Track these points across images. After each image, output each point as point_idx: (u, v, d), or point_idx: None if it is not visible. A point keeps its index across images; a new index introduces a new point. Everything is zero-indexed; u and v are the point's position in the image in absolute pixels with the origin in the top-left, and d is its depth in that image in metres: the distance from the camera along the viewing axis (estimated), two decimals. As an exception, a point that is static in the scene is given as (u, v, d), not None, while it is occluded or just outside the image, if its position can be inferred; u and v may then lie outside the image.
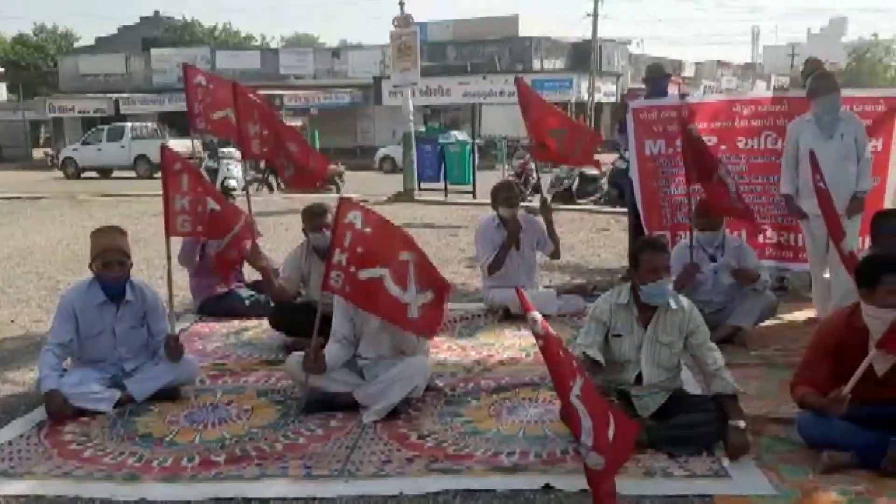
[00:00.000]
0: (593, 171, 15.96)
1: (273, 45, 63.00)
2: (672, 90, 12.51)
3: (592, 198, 15.19)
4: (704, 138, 6.97)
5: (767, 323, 5.74)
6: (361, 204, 4.29)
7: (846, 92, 7.52)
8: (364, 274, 4.12)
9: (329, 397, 4.31)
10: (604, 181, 15.10)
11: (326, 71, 41.38)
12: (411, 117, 16.08)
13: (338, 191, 18.15)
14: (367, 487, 3.43)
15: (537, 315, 3.10)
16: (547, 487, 3.36)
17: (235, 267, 6.28)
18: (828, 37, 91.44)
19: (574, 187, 15.44)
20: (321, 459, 3.70)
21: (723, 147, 6.97)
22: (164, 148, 4.71)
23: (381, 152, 29.46)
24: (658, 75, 7.58)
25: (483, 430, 4.00)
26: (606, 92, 39.61)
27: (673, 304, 3.93)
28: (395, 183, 17.26)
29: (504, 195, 6.30)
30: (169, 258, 4.76)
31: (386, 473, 3.56)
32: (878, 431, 3.50)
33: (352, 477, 3.53)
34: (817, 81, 5.85)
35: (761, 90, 33.76)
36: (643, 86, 7.96)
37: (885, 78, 68.81)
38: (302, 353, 4.27)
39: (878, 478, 3.38)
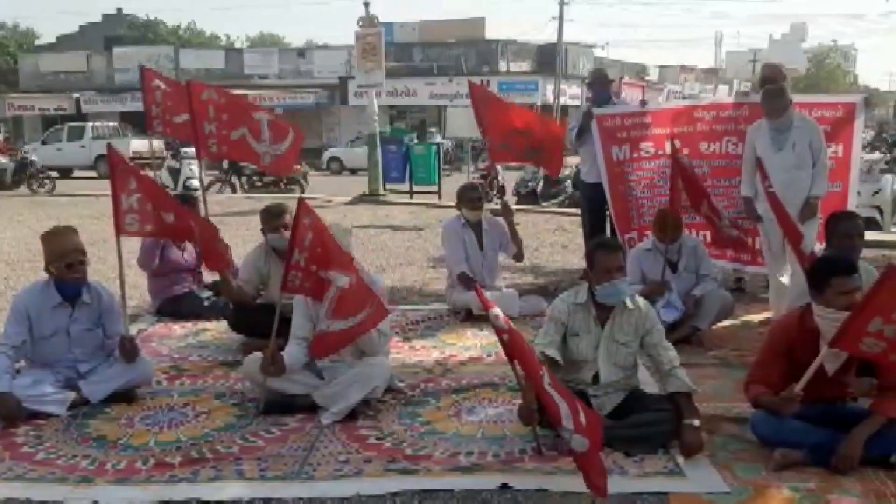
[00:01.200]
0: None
1: (238, 44, 62.52)
2: (636, 94, 12.72)
3: (557, 200, 15.26)
4: (667, 143, 7.08)
5: (724, 323, 5.82)
6: (314, 212, 4.27)
7: (806, 98, 7.66)
8: (325, 274, 4.12)
9: (287, 399, 4.28)
10: (568, 183, 15.19)
11: (292, 71, 41.14)
12: (376, 118, 16.02)
13: (301, 191, 18.05)
14: (324, 488, 3.42)
15: (498, 311, 3.14)
16: (504, 487, 3.37)
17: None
18: (788, 42, 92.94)
19: (539, 189, 15.52)
20: (278, 461, 3.68)
21: (685, 151, 7.05)
22: (110, 147, 4.68)
23: (329, 153, 29.39)
24: (600, 80, 7.64)
25: (442, 431, 4.01)
26: (572, 95, 39.88)
27: (629, 304, 3.97)
28: (359, 184, 17.19)
29: (468, 197, 6.32)
30: (120, 258, 4.69)
31: (343, 474, 3.54)
32: (828, 430, 3.57)
33: (308, 478, 3.51)
34: (766, 103, 5.88)
35: (723, 95, 34.11)
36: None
37: (844, 83, 70.27)
38: (260, 354, 4.24)
39: (829, 475, 3.45)
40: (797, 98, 7.48)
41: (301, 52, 43.16)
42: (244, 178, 18.84)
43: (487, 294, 6.05)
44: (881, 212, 10.76)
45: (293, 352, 4.34)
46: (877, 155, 16.66)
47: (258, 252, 5.47)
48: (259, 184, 18.58)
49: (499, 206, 6.93)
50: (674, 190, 5.72)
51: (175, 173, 18.04)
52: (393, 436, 3.95)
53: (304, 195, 17.10)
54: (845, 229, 4.88)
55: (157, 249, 6.17)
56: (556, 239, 10.41)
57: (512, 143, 6.70)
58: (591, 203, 7.41)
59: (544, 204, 14.95)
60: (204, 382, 4.84)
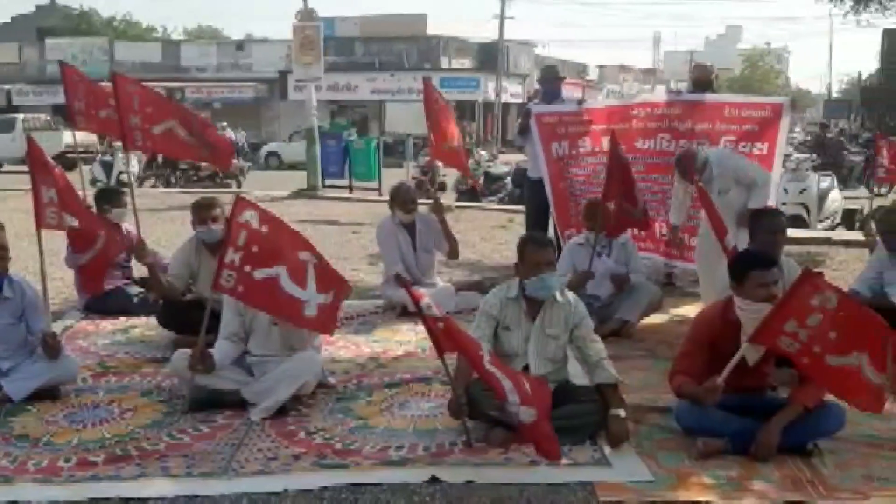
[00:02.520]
0: (498, 170, 16.23)
1: (175, 37, 61.16)
2: (577, 93, 12.96)
3: (497, 197, 15.35)
4: (604, 139, 7.21)
5: (654, 317, 5.94)
6: (258, 203, 4.20)
7: (736, 98, 7.86)
8: (259, 273, 4.03)
9: (216, 395, 4.22)
10: (508, 180, 15.31)
11: (230, 64, 40.57)
12: (314, 112, 15.87)
13: (238, 186, 17.82)
14: (251, 485, 3.38)
15: (429, 300, 3.18)
16: (433, 480, 3.39)
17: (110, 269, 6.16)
18: (724, 44, 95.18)
19: (479, 186, 15.59)
20: (205, 458, 3.63)
21: (622, 148, 7.18)
22: (30, 140, 4.57)
23: (266, 148, 29.07)
24: (551, 78, 7.74)
25: (373, 426, 4.00)
26: (513, 93, 40.20)
27: (559, 298, 4.02)
28: (297, 179, 17.03)
29: (402, 199, 6.33)
30: (41, 252, 4.58)
31: (271, 470, 3.51)
32: (749, 419, 3.67)
33: (235, 475, 3.48)
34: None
35: (661, 94, 34.78)
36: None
37: (777, 84, 72.16)
38: (188, 350, 4.17)
39: (749, 463, 3.55)
40: (730, 98, 7.70)
41: (240, 46, 42.57)
42: (179, 173, 18.50)
43: (422, 291, 6.11)
44: (807, 209, 11.10)
45: (223, 348, 4.29)
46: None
47: (188, 246, 5.38)
48: (195, 178, 18.26)
49: (444, 202, 6.95)
50: (609, 182, 5.80)
51: (108, 167, 17.63)
52: (323, 431, 3.93)
53: (240, 190, 16.91)
54: (768, 226, 5.02)
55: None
56: (495, 235, 10.48)
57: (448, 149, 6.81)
58: (535, 199, 7.48)
59: (484, 200, 15.03)
60: (131, 380, 4.74)
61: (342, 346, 5.39)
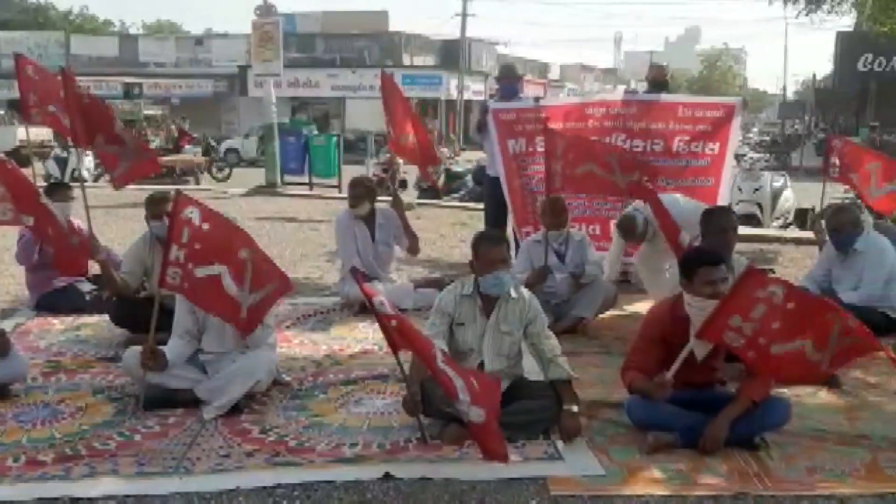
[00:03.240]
0: (459, 168, 16.27)
1: (133, 31, 60.27)
2: (539, 92, 13.07)
3: (458, 194, 15.38)
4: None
5: (609, 313, 6.00)
6: (198, 200, 4.16)
7: (690, 98, 7.98)
8: (201, 272, 4.00)
9: (169, 393, 4.18)
10: (469, 178, 15.34)
11: (189, 60, 40.08)
12: (274, 108, 15.73)
13: (196, 182, 17.63)
14: (203, 483, 3.36)
15: (382, 298, 3.18)
16: (387, 476, 3.39)
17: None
18: (683, 44, 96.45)
19: (440, 184, 15.61)
20: (156, 457, 3.60)
21: (560, 143, 7.24)
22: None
23: (226, 144, 28.72)
24: (509, 76, 7.78)
25: (328, 423, 4.00)
26: (476, 90, 40.24)
27: (513, 294, 4.05)
28: (257, 176, 16.89)
29: (350, 194, 6.34)
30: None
31: (223, 469, 3.49)
32: (699, 413, 3.74)
33: (187, 473, 3.45)
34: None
35: (619, 94, 35.12)
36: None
37: (734, 85, 73.27)
38: (140, 348, 4.13)
39: (698, 456, 3.61)
40: (683, 98, 7.81)
41: (199, 41, 42.08)
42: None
43: (381, 286, 6.11)
44: (761, 208, 11.30)
45: (175, 346, 4.25)
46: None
47: (142, 243, 5.32)
48: (152, 175, 17.97)
49: (407, 199, 6.94)
50: (549, 175, 5.87)
51: (62, 163, 17.31)
52: (277, 429, 3.91)
53: (199, 187, 16.72)
54: (720, 224, 5.11)
55: (36, 244, 5.90)
56: (455, 232, 10.50)
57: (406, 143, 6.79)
58: (494, 196, 7.51)
59: (445, 198, 15.05)
60: (82, 378, 4.67)
61: (299, 344, 5.37)
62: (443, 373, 3.23)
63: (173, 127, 21.61)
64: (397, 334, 3.45)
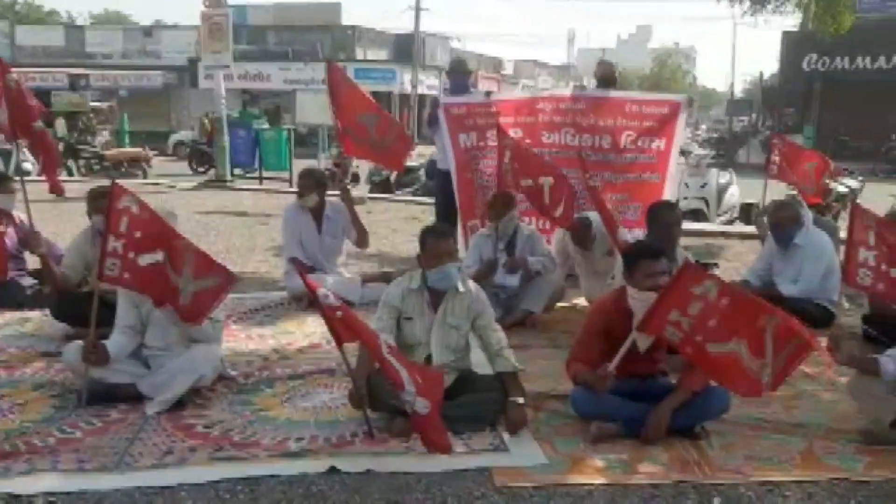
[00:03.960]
0: (412, 163, 16.22)
1: (80, 21, 58.89)
2: (493, 87, 13.18)
3: (410, 189, 15.36)
4: (511, 132, 7.30)
5: (557, 307, 6.06)
6: (133, 192, 4.11)
7: (637, 95, 8.09)
8: (145, 259, 3.98)
9: (111, 389, 4.11)
10: (421, 173, 15.33)
11: (137, 51, 39.31)
12: (223, 101, 15.52)
13: (144, 176, 17.34)
14: (145, 479, 3.32)
15: (326, 291, 3.17)
16: (332, 470, 3.39)
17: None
18: (635, 43, 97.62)
19: (392, 178, 15.57)
20: (97, 452, 3.54)
21: (528, 141, 7.28)
22: None
23: (175, 137, 28.27)
24: (460, 71, 7.80)
25: (273, 418, 3.97)
26: (430, 85, 40.17)
27: (461, 288, 4.06)
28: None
29: (299, 184, 6.33)
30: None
31: (165, 464, 3.45)
32: (642, 403, 3.80)
33: (128, 469, 3.40)
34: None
35: (568, 89, 35.39)
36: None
37: (685, 83, 74.41)
38: (81, 342, 4.05)
39: (640, 446, 3.68)
40: (631, 95, 7.92)
41: (147, 31, 41.27)
42: (82, 161, 17.86)
43: (329, 279, 6.10)
44: (707, 203, 11.51)
45: (118, 340, 4.18)
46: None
47: (84, 236, 5.22)
48: (97, 167, 17.65)
49: (358, 193, 6.92)
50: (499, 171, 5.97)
51: (6, 156, 16.84)
52: (221, 424, 3.87)
53: (147, 181, 16.44)
54: (664, 219, 5.21)
55: None
56: (407, 227, 10.50)
57: (357, 131, 6.72)
58: (444, 191, 7.52)
59: (398, 193, 15.03)
60: (22, 373, 4.57)
61: (245, 338, 5.33)
62: (389, 363, 3.24)
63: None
64: (342, 326, 3.44)
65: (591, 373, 3.82)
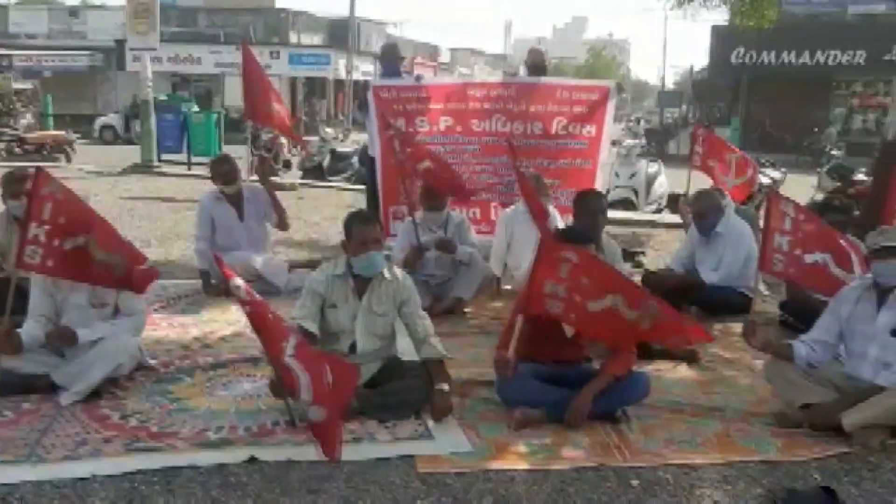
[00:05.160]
0: (345, 149, 16.08)
1: (2, 1, 56.56)
2: (427, 75, 13.17)
3: (344, 175, 15.22)
4: (441, 119, 7.28)
5: (487, 294, 6.08)
6: (54, 177, 3.98)
7: (567, 81, 8.16)
8: (69, 243, 3.89)
9: (24, 379, 3.96)
10: (355, 159, 15.21)
11: (63, 31, 37.94)
12: (149, 84, 15.08)
13: (67, 160, 16.78)
14: (56, 471, 3.22)
15: (239, 281, 3.09)
16: (252, 460, 3.33)
17: None
18: (570, 33, 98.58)
19: (325, 164, 15.41)
20: (7, 444, 3.42)
21: (458, 129, 7.27)
22: None
23: (101, 121, 27.46)
24: (391, 55, 7.75)
25: (193, 408, 3.88)
26: (365, 71, 39.78)
27: (387, 275, 4.03)
28: (134, 154, 16.19)
29: (217, 171, 6.24)
30: None
31: (79, 456, 3.35)
32: (565, 389, 3.84)
33: (40, 461, 3.29)
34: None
35: (498, 76, 35.52)
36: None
37: (618, 75, 75.48)
38: (-9, 331, 3.89)
39: (563, 431, 3.72)
40: (561, 81, 7.97)
41: (73, 12, 39.85)
42: (2, 145, 17.20)
43: (259, 259, 6.00)
44: (636, 193, 11.71)
45: (31, 329, 4.03)
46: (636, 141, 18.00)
47: (-2, 222, 5.02)
48: (19, 151, 17.01)
49: (287, 179, 6.80)
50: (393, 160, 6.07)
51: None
52: (138, 414, 3.78)
53: (70, 165, 15.91)
54: (590, 207, 5.26)
55: None
56: (339, 214, 10.38)
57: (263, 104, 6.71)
58: (374, 177, 7.46)
59: (330, 179, 14.88)
60: (-72, 365, 4.37)
61: (167, 327, 5.21)
62: (288, 368, 3.12)
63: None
64: (251, 319, 3.34)
65: (498, 359, 3.87)
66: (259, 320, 3.09)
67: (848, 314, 3.96)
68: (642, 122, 38.36)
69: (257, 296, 3.19)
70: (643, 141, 19.87)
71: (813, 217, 4.68)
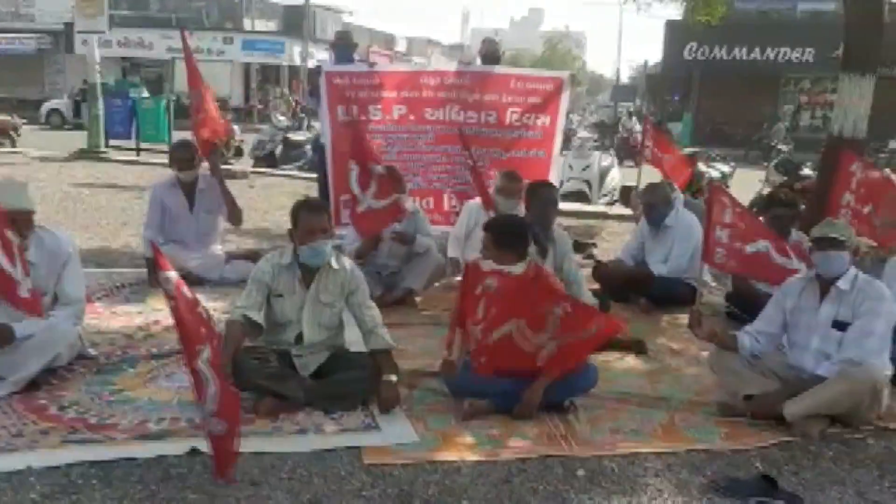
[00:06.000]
0: (298, 137, 15.90)
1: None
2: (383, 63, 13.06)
3: (297, 164, 15.05)
4: (395, 108, 7.21)
5: (439, 285, 6.06)
6: None
7: (522, 71, 8.14)
8: None
9: (-42, 371, 3.83)
10: (308, 147, 15.05)
11: (10, 14, 36.89)
12: (98, 68, 14.70)
13: (12, 145, 16.33)
14: (-11, 464, 3.11)
15: (172, 275, 3.00)
16: (193, 451, 3.26)
17: None
18: (527, 25, 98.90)
19: (278, 152, 15.22)
20: (-62, 438, 3.30)
21: (412, 118, 7.19)
22: None
23: (49, 106, 26.79)
24: (344, 43, 7.66)
25: (134, 399, 3.80)
26: (320, 59, 39.32)
27: (334, 265, 3.98)
28: (79, 139, 15.81)
29: (177, 157, 6.10)
30: None
31: (14, 447, 3.25)
32: (511, 379, 3.83)
33: (-29, 454, 3.18)
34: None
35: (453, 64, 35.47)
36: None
37: (575, 68, 75.93)
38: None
39: (510, 421, 3.71)
40: (515, 71, 7.96)
41: (22, -6, 38.75)
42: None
43: (193, 258, 5.89)
44: (589, 185, 11.78)
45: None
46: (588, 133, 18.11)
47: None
48: None
49: (238, 167, 6.65)
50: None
51: None
52: (77, 405, 3.68)
53: (15, 150, 15.50)
54: (542, 197, 5.27)
55: None
56: (289, 203, 10.22)
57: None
58: (325, 166, 7.37)
59: (283, 167, 14.70)
60: None
61: (110, 316, 5.09)
62: (200, 373, 3.00)
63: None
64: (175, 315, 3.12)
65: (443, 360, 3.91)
66: (180, 319, 2.97)
67: (792, 306, 4.03)
68: (587, 115, 38.71)
69: (188, 292, 3.09)
70: (587, 133, 19.99)
71: (746, 212, 4.75)
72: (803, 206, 7.15)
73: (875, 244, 5.81)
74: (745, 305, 5.28)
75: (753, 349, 4.03)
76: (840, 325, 3.83)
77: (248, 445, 3.33)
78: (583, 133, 16.98)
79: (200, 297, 5.37)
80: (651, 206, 5.99)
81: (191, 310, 3.04)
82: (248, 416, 3.59)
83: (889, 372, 3.81)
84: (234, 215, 6.28)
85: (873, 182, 5.88)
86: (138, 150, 15.15)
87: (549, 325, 3.44)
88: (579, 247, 7.42)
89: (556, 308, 3.47)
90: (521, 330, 3.50)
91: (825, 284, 3.93)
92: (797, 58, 28.22)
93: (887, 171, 7.56)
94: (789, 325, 4.04)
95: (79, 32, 15.60)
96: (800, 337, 3.99)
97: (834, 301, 3.89)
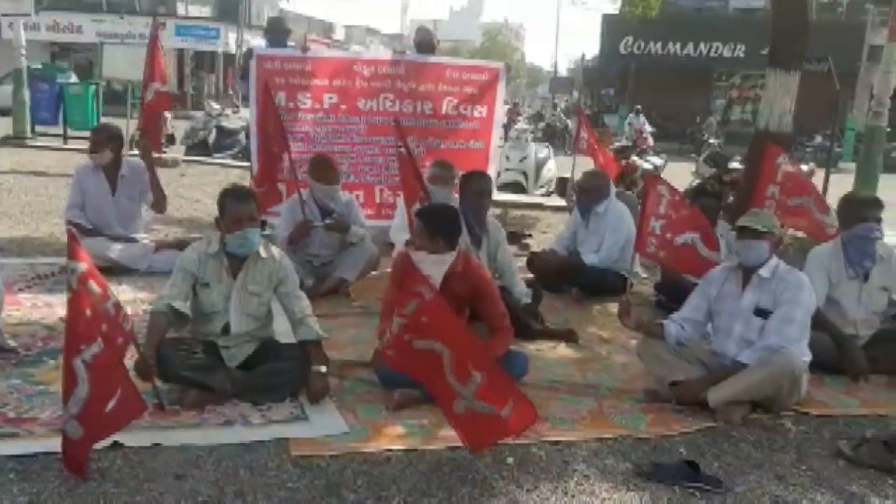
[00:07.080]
0: (232, 125, 15.62)
1: None
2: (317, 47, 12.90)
3: (231, 152, 14.79)
4: (326, 96, 7.12)
5: (372, 275, 6.03)
6: None
7: (458, 61, 8.14)
8: None
9: None
10: (242, 136, 14.79)
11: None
12: (23, 52, 14.19)
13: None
14: None
15: (80, 266, 2.90)
16: (115, 445, 3.18)
17: None
18: (466, 16, 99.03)
19: (211, 140, 14.94)
20: None
21: (343, 107, 7.11)
22: None
23: None
24: (277, 29, 7.56)
25: (55, 392, 3.63)
26: (256, 46, 38.82)
27: (263, 254, 3.91)
28: (4, 125, 15.27)
29: (92, 139, 5.99)
30: None
31: (-76, 445, 3.12)
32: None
33: None
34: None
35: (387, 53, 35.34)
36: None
37: (513, 59, 76.41)
38: None
39: (441, 411, 3.70)
40: (451, 61, 7.96)
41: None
42: None
43: (116, 247, 5.76)
44: (526, 176, 11.88)
45: None
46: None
47: None
48: None
49: (171, 155, 6.48)
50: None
51: None
52: (-6, 399, 3.55)
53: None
54: (475, 187, 5.28)
55: None
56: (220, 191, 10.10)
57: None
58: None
59: (216, 155, 14.44)
60: None
61: (31, 307, 4.93)
62: (74, 372, 2.90)
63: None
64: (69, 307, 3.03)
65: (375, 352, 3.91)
66: (74, 313, 2.87)
67: (716, 294, 4.12)
68: (524, 107, 38.99)
69: (96, 287, 3.00)
70: (524, 125, 20.13)
71: (684, 201, 4.83)
72: (731, 198, 7.34)
73: (807, 235, 6.01)
74: (673, 294, 5.38)
75: (679, 337, 4.11)
76: (762, 313, 3.94)
77: (172, 438, 3.28)
78: (521, 125, 17.09)
79: (126, 287, 5.38)
80: (586, 190, 6.07)
81: (92, 306, 2.93)
82: (172, 409, 3.52)
83: (808, 359, 3.93)
84: (160, 203, 6.16)
85: (793, 175, 6.07)
86: (65, 136, 14.69)
87: (470, 383, 3.22)
88: (515, 237, 7.47)
89: (477, 374, 3.24)
90: (449, 358, 3.26)
91: (747, 273, 4.03)
92: (729, 54, 28.91)
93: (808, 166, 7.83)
94: (713, 312, 4.14)
95: (4, 16, 15.01)
96: (723, 324, 4.09)
97: (755, 289, 3.99)
